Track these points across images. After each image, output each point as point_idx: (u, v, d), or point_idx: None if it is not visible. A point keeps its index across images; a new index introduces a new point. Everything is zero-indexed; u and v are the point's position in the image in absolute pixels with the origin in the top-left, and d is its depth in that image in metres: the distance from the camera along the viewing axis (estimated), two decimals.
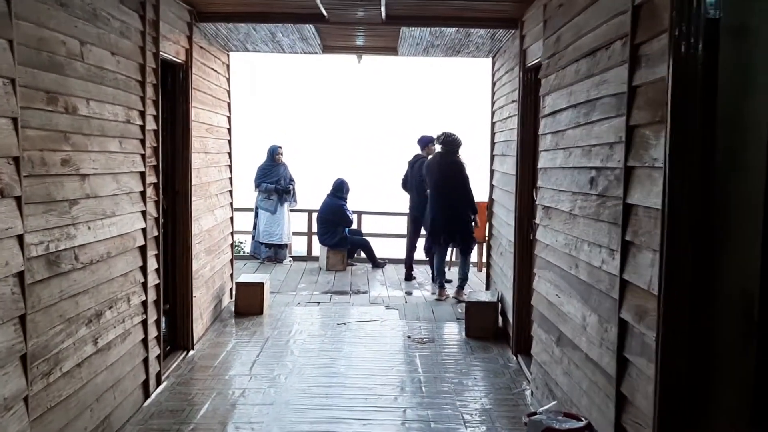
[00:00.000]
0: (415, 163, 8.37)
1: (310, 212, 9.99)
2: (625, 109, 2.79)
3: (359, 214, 9.95)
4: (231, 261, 7.19)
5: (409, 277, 8.53)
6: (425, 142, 8.38)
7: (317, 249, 9.64)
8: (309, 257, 9.91)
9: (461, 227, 7.29)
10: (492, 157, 6.98)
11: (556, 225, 3.90)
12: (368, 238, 9.59)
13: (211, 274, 6.26)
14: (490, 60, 7.03)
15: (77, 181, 3.38)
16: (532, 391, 4.48)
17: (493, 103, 6.94)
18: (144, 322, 4.35)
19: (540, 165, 4.37)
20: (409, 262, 8.63)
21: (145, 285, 4.34)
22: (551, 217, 4.03)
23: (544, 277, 4.18)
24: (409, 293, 7.75)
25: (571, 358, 3.54)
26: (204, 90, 5.94)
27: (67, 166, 3.26)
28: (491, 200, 7.00)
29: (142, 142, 4.28)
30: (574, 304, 3.50)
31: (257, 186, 9.24)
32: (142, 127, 4.27)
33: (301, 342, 5.75)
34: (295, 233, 9.91)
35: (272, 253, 9.39)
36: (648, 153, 2.56)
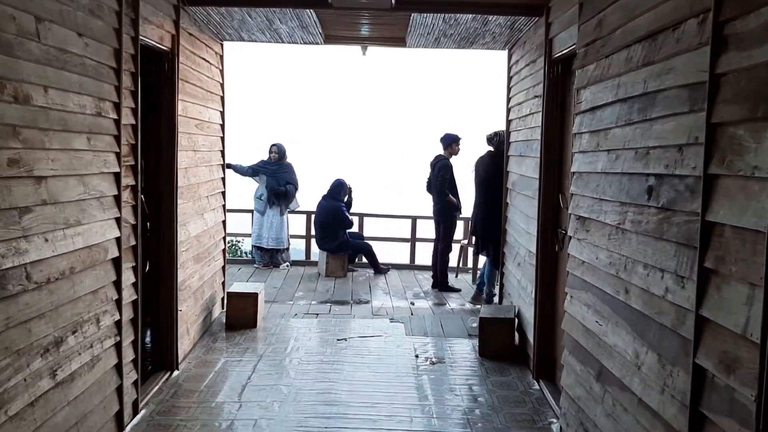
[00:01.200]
0: (436, 164, 7.81)
1: (308, 214, 9.42)
2: (703, 104, 2.24)
3: (361, 216, 9.40)
4: (223, 268, 6.63)
5: (436, 285, 7.93)
6: (448, 141, 7.82)
7: (316, 253, 9.08)
8: (308, 262, 9.35)
9: (496, 236, 6.70)
10: (507, 157, 6.42)
11: (596, 239, 3.35)
12: (370, 242, 9.04)
13: (200, 284, 5.70)
14: (506, 53, 6.47)
15: (30, 185, 2.82)
16: (561, 428, 3.92)
17: (508, 100, 6.38)
18: (118, 345, 3.79)
19: (574, 169, 3.81)
20: (441, 269, 7.96)
21: (119, 302, 3.78)
22: (589, 229, 3.47)
23: (579, 298, 3.62)
24: (413, 303, 7.19)
25: (617, 399, 2.99)
26: (193, 82, 5.37)
27: (16, 167, 2.70)
28: (505, 204, 6.45)
29: (117, 138, 3.71)
30: (622, 336, 2.95)
31: (243, 172, 8.71)
32: (117, 122, 3.71)
33: (297, 361, 5.20)
34: (291, 236, 9.35)
35: (267, 258, 8.83)
36: (743, 159, 2.00)
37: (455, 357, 5.42)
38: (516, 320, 5.58)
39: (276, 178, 8.67)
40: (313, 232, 9.16)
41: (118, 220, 3.74)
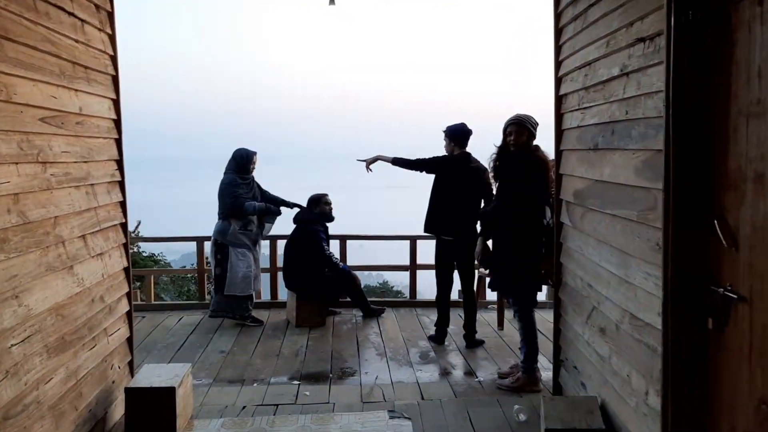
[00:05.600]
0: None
1: (272, 238, 7.11)
2: None
3: (342, 239, 7.06)
4: (129, 340, 4.33)
5: (440, 337, 5.69)
6: (458, 136, 5.49)
7: (284, 291, 6.72)
8: (273, 303, 7.01)
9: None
10: (559, 152, 4.19)
11: None
12: (357, 272, 6.75)
13: (69, 387, 3.38)
14: None
15: None
16: None
17: (558, 65, 4.14)
18: None
19: None
20: (440, 311, 5.75)
21: None
22: None
23: None
24: (421, 372, 4.91)
25: None
26: (31, 43, 3.08)
27: None
28: (558, 224, 4.21)
29: None
30: None
31: (240, 209, 6.08)
32: None
33: None
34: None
35: (249, 308, 6.29)
36: None
37: None
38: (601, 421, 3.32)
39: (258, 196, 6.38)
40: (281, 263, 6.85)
41: None
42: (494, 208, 4.64)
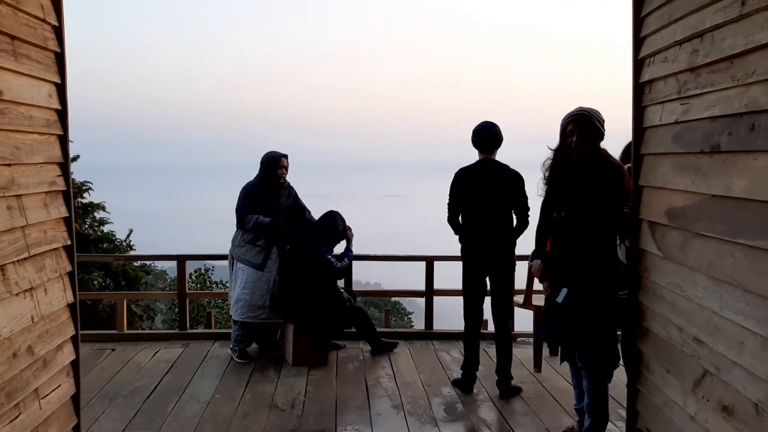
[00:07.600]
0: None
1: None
2: None
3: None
4: (74, 398, 3.33)
5: (460, 381, 4.72)
6: (484, 135, 4.50)
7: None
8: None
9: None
10: (639, 157, 3.22)
11: None
12: (361, 300, 5.76)
13: None
14: None
15: None
16: None
17: (639, 42, 3.18)
18: None
19: None
20: (467, 351, 4.73)
21: None
22: None
23: None
24: (449, 428, 3.91)
25: None
26: None
27: None
28: (640, 252, 3.23)
29: None
30: None
31: (240, 220, 5.23)
32: None
33: None
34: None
35: (265, 340, 5.47)
36: None
37: None
38: None
39: (285, 209, 5.40)
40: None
41: None
42: (558, 239, 3.48)
